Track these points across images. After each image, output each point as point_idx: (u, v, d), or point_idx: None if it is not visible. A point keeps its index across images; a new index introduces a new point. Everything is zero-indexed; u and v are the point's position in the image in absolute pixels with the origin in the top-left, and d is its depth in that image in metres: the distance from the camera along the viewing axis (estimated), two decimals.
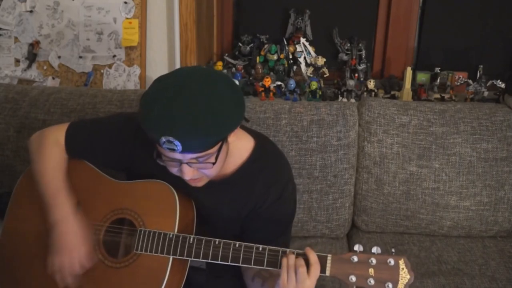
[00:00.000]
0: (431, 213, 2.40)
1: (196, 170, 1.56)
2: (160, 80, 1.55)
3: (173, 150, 1.46)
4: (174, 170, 1.58)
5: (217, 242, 1.60)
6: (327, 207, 2.40)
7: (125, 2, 2.73)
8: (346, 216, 2.44)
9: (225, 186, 1.74)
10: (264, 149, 1.80)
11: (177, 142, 1.43)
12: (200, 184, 1.63)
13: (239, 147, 1.73)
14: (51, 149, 1.81)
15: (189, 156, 1.49)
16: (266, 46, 2.86)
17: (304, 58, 2.85)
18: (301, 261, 1.50)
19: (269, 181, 1.74)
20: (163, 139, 1.44)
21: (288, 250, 1.55)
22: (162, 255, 1.63)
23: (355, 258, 1.47)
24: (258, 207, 1.74)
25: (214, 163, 1.54)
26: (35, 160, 1.82)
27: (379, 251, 1.48)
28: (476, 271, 2.23)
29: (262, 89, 2.65)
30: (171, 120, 1.44)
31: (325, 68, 2.75)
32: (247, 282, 1.80)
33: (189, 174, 1.54)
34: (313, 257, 1.50)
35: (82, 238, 1.70)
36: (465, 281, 2.16)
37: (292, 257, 1.51)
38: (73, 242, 1.68)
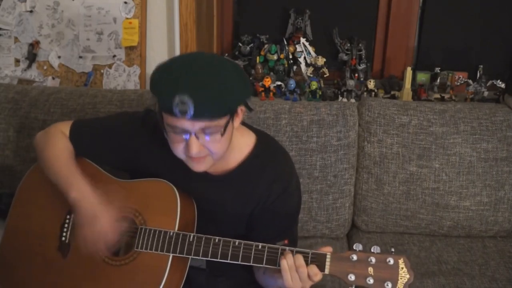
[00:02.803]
0: (431, 213, 2.40)
1: (202, 146, 1.55)
2: (171, 58, 1.60)
3: (184, 113, 1.45)
4: (180, 148, 1.57)
5: (216, 240, 1.61)
6: (327, 207, 2.40)
7: (125, 2, 2.73)
8: (346, 216, 2.45)
9: (228, 181, 1.75)
10: (266, 145, 1.81)
11: (190, 103, 1.44)
12: (203, 166, 1.61)
13: (241, 142, 1.75)
14: (59, 139, 1.84)
15: (198, 125, 1.50)
16: (266, 46, 2.85)
17: (304, 58, 2.85)
18: (301, 261, 1.50)
19: (271, 176, 1.75)
20: (176, 99, 1.44)
21: (287, 248, 1.55)
22: (162, 253, 1.64)
23: (355, 257, 1.47)
24: (263, 203, 1.75)
25: (222, 134, 1.54)
26: (44, 149, 1.83)
27: (379, 250, 1.48)
28: (476, 271, 2.24)
29: (262, 89, 2.65)
30: (184, 82, 1.47)
31: (325, 68, 2.74)
32: (254, 270, 1.81)
33: (195, 147, 1.53)
34: (312, 269, 1.50)
35: (107, 206, 1.69)
36: (465, 281, 2.17)
37: (290, 257, 1.51)
38: (99, 211, 1.68)
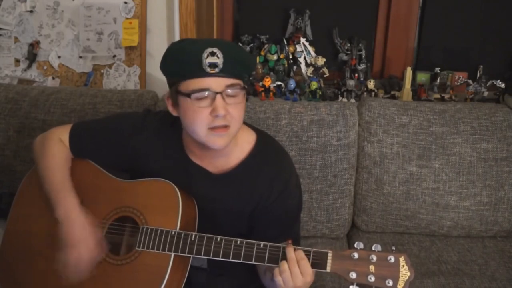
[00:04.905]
0: (431, 213, 2.40)
1: (226, 109, 1.57)
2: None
3: (214, 65, 1.53)
4: (203, 117, 1.58)
5: (218, 239, 1.61)
6: (327, 207, 2.40)
7: (125, 2, 2.74)
8: (346, 216, 2.45)
9: (228, 180, 1.76)
10: (266, 143, 1.82)
11: (220, 54, 1.52)
12: (223, 140, 1.62)
13: (243, 138, 1.77)
14: (56, 147, 1.84)
15: (224, 83, 1.55)
16: (266, 46, 2.85)
17: (304, 58, 2.85)
18: (301, 254, 1.52)
19: (271, 175, 1.76)
20: (206, 52, 1.52)
21: (287, 247, 1.55)
22: (164, 252, 1.64)
23: (356, 255, 1.48)
24: (263, 202, 1.75)
25: (241, 101, 1.61)
26: (40, 158, 1.84)
27: (379, 248, 1.49)
28: (476, 271, 2.23)
29: (262, 89, 2.65)
30: (211, 40, 1.67)
31: (325, 68, 2.73)
32: (261, 275, 1.81)
33: (222, 107, 1.56)
34: (298, 253, 1.53)
35: (89, 232, 1.70)
36: (465, 281, 2.16)
37: (292, 255, 1.52)
38: (80, 236, 1.68)
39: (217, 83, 1.55)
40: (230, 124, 1.59)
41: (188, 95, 1.57)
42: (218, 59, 1.53)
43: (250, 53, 2.83)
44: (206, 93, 1.55)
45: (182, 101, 1.60)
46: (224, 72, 1.55)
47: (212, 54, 1.52)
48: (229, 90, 1.57)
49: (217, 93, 1.55)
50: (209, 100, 1.56)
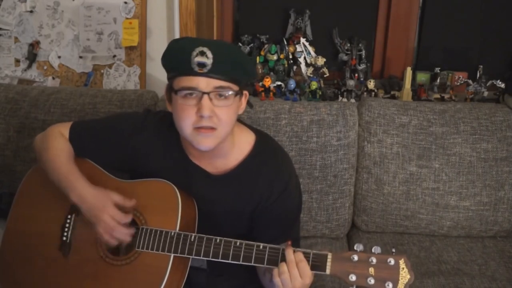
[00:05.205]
0: (431, 213, 2.40)
1: (213, 111, 1.56)
2: None
3: (203, 65, 1.52)
4: (190, 116, 1.58)
5: (218, 240, 1.61)
6: (327, 207, 2.40)
7: (125, 2, 2.74)
8: (346, 216, 2.44)
9: (228, 181, 1.76)
10: (265, 144, 1.81)
11: (210, 55, 1.51)
12: (210, 141, 1.61)
13: (242, 139, 1.77)
14: (58, 139, 1.84)
15: (213, 84, 1.55)
16: (266, 46, 2.85)
17: (304, 58, 2.84)
18: (300, 255, 1.51)
19: (271, 176, 1.76)
20: (196, 51, 1.52)
21: (286, 248, 1.55)
22: (163, 252, 1.64)
23: (355, 257, 1.47)
24: (263, 203, 1.75)
25: (231, 104, 1.59)
26: (43, 150, 1.83)
27: (379, 250, 1.49)
28: (476, 271, 2.23)
29: (262, 89, 2.64)
30: (205, 40, 1.61)
31: (325, 68, 2.73)
32: (260, 276, 1.81)
33: (208, 108, 1.55)
34: (297, 255, 1.52)
35: (108, 196, 1.70)
36: (465, 281, 2.16)
37: (291, 257, 1.52)
38: (102, 199, 1.69)
39: (206, 83, 1.55)
40: (216, 127, 1.59)
41: (176, 91, 1.58)
42: (207, 60, 1.52)
43: (249, 54, 2.83)
44: (193, 92, 1.56)
45: (173, 97, 1.61)
46: (214, 73, 1.54)
47: (202, 53, 1.51)
48: (218, 92, 1.57)
49: (204, 93, 1.55)
50: (197, 100, 1.56)
